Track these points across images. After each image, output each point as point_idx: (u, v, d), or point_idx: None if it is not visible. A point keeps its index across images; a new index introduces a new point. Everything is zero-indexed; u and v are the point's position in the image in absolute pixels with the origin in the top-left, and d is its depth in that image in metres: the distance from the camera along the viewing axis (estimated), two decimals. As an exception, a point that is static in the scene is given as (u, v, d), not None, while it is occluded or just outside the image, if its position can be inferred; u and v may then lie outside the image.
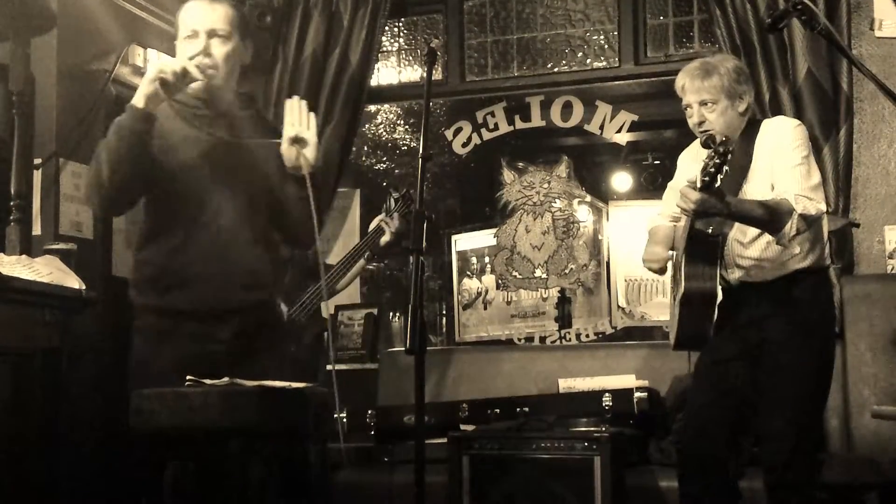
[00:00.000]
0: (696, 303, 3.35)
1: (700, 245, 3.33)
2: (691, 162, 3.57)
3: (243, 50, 3.15)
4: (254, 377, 2.86)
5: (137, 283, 3.14)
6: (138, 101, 2.92)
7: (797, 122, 3.49)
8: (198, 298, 3.03)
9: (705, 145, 3.25)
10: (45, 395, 3.61)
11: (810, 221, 3.24)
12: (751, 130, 3.45)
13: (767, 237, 3.30)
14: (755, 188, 3.35)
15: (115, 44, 4.65)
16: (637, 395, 4.15)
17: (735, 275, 3.41)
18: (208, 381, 2.85)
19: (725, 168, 3.04)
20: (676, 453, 3.60)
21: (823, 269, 3.48)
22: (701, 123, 3.39)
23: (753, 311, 3.40)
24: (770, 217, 3.21)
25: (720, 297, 3.33)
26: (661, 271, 3.60)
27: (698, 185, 3.09)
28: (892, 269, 4.43)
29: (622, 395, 4.16)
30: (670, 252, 3.59)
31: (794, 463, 3.29)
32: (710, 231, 3.33)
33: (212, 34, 3.04)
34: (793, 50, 4.46)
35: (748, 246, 3.38)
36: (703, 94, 3.38)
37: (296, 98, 3.03)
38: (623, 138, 5.50)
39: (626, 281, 5.96)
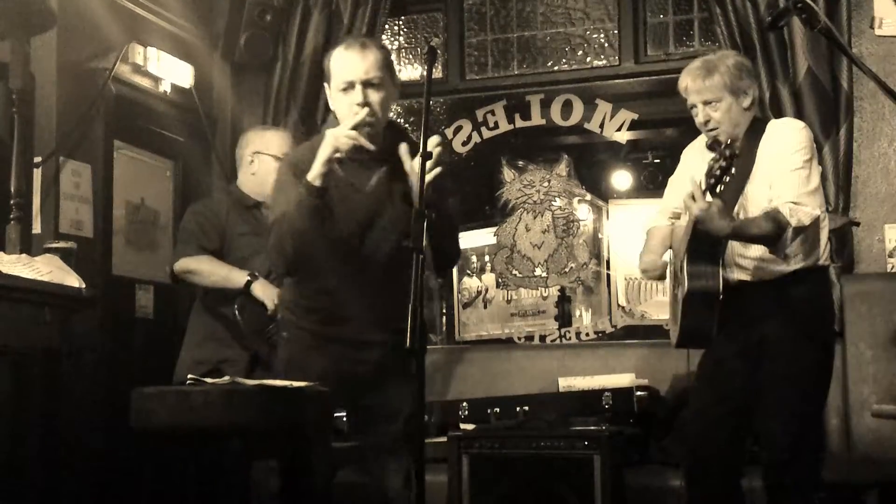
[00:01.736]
0: (700, 301, 3.35)
1: (702, 244, 3.33)
2: (695, 157, 3.56)
3: (394, 89, 3.20)
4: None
5: (291, 307, 3.27)
6: (316, 179, 2.99)
7: (802, 124, 3.49)
8: (345, 332, 3.16)
9: (711, 148, 3.26)
10: (44, 394, 3.61)
11: (803, 230, 3.25)
12: (756, 131, 3.44)
13: None
14: (757, 189, 3.35)
15: (116, 42, 4.64)
16: (637, 393, 4.15)
17: (735, 274, 3.41)
18: (209, 380, 2.85)
19: (732, 170, 3.05)
20: (683, 454, 3.59)
21: (823, 269, 3.48)
22: (707, 122, 3.39)
23: (753, 310, 3.40)
24: (765, 236, 3.23)
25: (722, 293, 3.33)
26: (661, 278, 3.60)
27: (703, 186, 3.10)
28: (892, 268, 4.43)
29: (622, 393, 4.16)
30: (666, 258, 3.58)
31: (793, 462, 3.29)
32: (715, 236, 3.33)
33: (367, 84, 3.07)
34: (793, 48, 4.46)
35: (749, 246, 3.38)
36: (705, 93, 3.38)
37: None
38: (623, 137, 5.48)
39: (626, 280, 5.95)
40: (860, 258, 4.47)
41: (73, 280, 3.74)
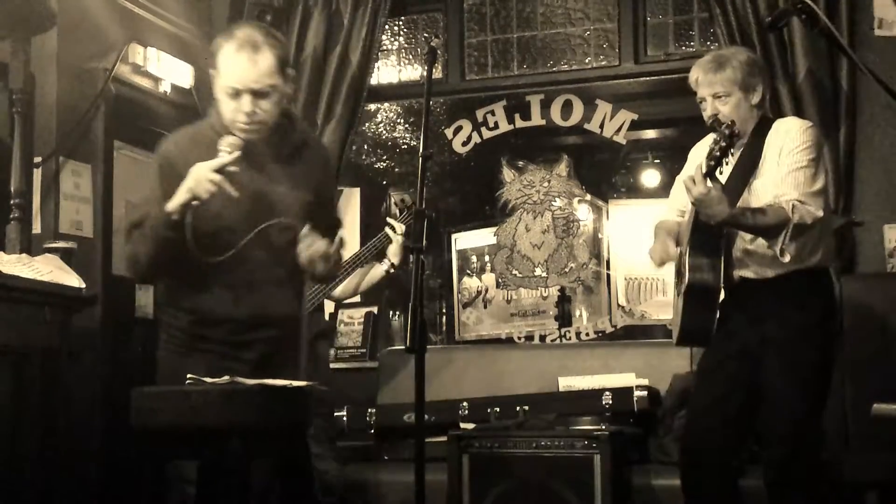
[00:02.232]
0: (700, 295, 3.35)
1: (704, 236, 3.34)
2: (701, 156, 3.56)
3: (287, 89, 3.06)
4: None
5: (167, 308, 3.15)
6: (173, 208, 2.86)
7: (809, 123, 3.50)
8: (227, 333, 3.04)
9: (711, 128, 3.26)
10: (44, 394, 3.61)
11: (804, 230, 3.24)
12: (763, 128, 3.44)
13: None
14: (763, 185, 3.36)
15: (116, 42, 4.64)
16: (637, 393, 4.15)
17: (738, 272, 3.41)
18: (209, 380, 2.85)
19: (731, 152, 3.05)
20: (679, 452, 3.60)
21: (826, 269, 3.48)
22: (714, 116, 3.40)
23: (755, 309, 3.40)
24: (766, 227, 3.23)
25: (723, 292, 3.33)
26: (662, 263, 3.58)
27: (703, 169, 3.10)
28: (891, 268, 4.43)
29: (622, 393, 4.16)
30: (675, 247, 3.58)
31: (794, 462, 3.30)
32: (714, 223, 3.33)
33: (255, 94, 2.93)
34: (793, 49, 4.46)
35: (752, 242, 3.38)
36: (716, 86, 3.39)
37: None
38: (623, 137, 5.48)
39: (626, 280, 5.96)
40: (860, 258, 4.47)
41: (73, 280, 3.74)
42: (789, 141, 3.35)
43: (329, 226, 3.08)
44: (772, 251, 3.31)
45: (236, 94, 2.93)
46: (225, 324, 3.03)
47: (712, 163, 3.10)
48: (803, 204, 3.22)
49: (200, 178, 2.84)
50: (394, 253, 4.51)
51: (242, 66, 2.92)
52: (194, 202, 2.86)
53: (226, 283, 3.02)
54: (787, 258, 3.27)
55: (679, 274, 3.54)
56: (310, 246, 2.93)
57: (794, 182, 3.27)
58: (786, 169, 3.31)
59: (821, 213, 3.29)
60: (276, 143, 3.07)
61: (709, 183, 3.14)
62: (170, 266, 3.02)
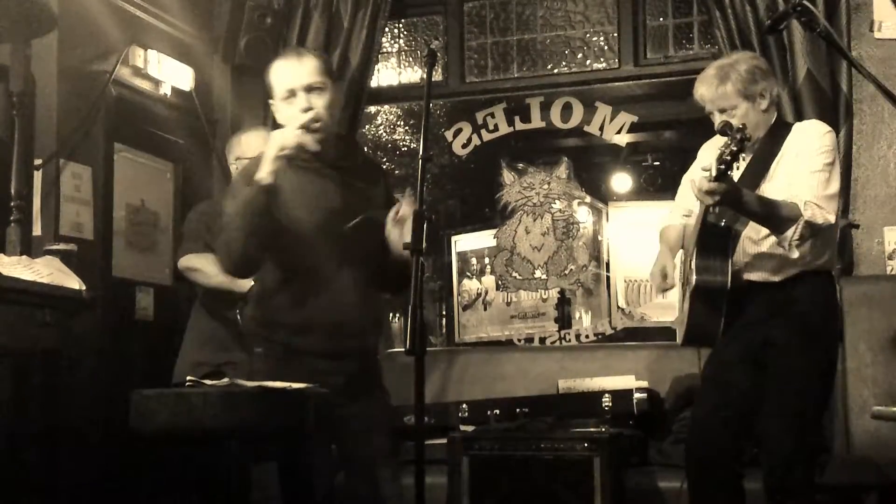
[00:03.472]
0: (707, 296, 3.35)
1: (711, 237, 3.34)
2: (711, 154, 3.56)
3: (337, 95, 3.20)
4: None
5: (261, 321, 3.20)
6: (264, 177, 2.95)
7: (828, 128, 3.46)
8: (316, 343, 3.10)
9: (722, 132, 3.24)
10: (44, 396, 3.62)
11: (816, 230, 3.23)
12: (780, 131, 3.44)
13: None
14: (774, 188, 3.34)
15: (116, 45, 4.64)
16: (637, 395, 4.16)
17: (745, 274, 3.40)
18: (208, 382, 2.86)
19: (742, 156, 3.04)
20: (686, 456, 3.59)
21: (829, 273, 3.48)
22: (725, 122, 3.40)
23: (759, 311, 3.39)
24: (776, 217, 3.22)
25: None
26: (662, 291, 3.58)
27: (713, 173, 3.08)
28: (891, 270, 4.43)
29: (622, 395, 4.17)
30: (678, 264, 3.57)
31: (794, 465, 3.29)
32: (722, 224, 3.33)
33: (309, 89, 3.06)
34: (792, 51, 4.47)
35: (759, 243, 3.38)
36: (720, 102, 3.38)
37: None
38: (623, 139, 5.49)
39: (625, 282, 5.96)
40: (859, 260, 4.48)
41: (74, 282, 3.74)
42: (807, 144, 3.35)
43: None
44: (780, 251, 3.31)
45: (291, 94, 3.07)
46: (321, 333, 3.09)
47: (722, 167, 3.07)
48: (817, 206, 3.23)
49: (283, 132, 3.00)
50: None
51: (291, 66, 3.10)
52: (284, 153, 2.95)
53: (315, 289, 3.09)
54: (795, 254, 3.27)
55: (685, 274, 3.54)
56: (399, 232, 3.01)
57: (809, 184, 3.27)
58: (802, 170, 3.30)
59: (832, 218, 3.28)
60: (342, 157, 3.17)
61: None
62: (264, 253, 3.08)
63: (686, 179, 3.71)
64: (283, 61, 3.13)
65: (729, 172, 3.06)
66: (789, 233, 3.20)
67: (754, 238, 3.38)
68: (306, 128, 3.00)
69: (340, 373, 3.09)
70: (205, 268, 4.03)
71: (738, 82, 3.36)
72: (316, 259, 3.09)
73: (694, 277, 3.35)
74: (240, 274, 3.36)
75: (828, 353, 3.43)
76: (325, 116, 3.08)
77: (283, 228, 3.04)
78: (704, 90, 3.41)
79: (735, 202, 3.18)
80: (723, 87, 3.37)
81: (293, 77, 3.07)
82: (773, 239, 3.34)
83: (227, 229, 3.08)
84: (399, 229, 3.00)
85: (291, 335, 3.10)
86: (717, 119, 3.39)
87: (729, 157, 3.04)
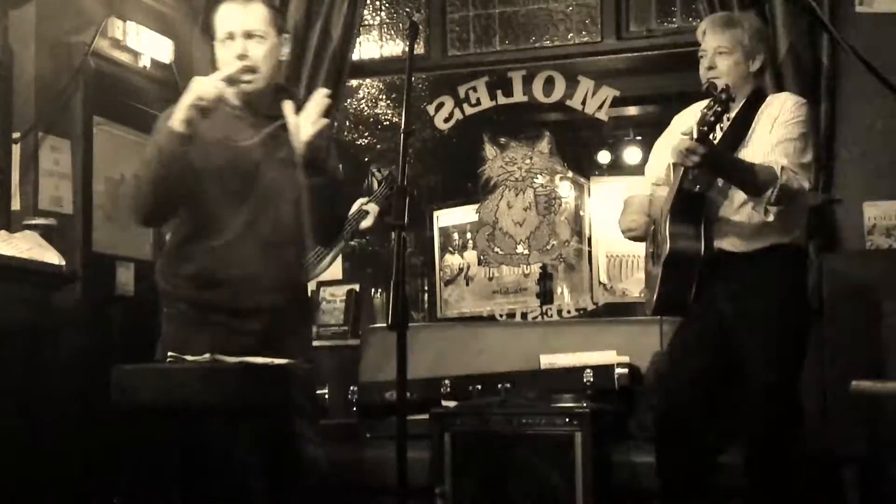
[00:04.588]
0: (680, 263, 3.37)
1: (686, 203, 3.36)
2: (685, 123, 3.56)
3: (281, 45, 3.16)
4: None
5: (170, 276, 3.17)
6: (177, 125, 2.92)
7: (803, 100, 3.52)
8: (231, 298, 3.07)
9: (707, 92, 3.28)
10: (24, 371, 3.60)
11: (790, 195, 3.26)
12: (756, 100, 3.48)
13: (752, 205, 3.32)
14: (749, 155, 3.37)
15: (95, 16, 4.59)
16: (618, 370, 4.16)
17: (717, 243, 3.42)
18: (190, 358, 2.84)
19: (725, 117, 3.06)
20: (654, 425, 3.62)
21: (801, 248, 3.53)
22: (710, 69, 3.42)
23: (733, 282, 3.41)
24: (756, 178, 3.24)
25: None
26: (642, 238, 3.61)
27: (695, 135, 3.10)
28: (870, 246, 4.45)
29: (603, 371, 4.17)
30: (647, 218, 3.60)
31: (771, 437, 3.32)
32: (696, 190, 3.35)
33: (248, 35, 3.05)
34: (774, 25, 4.45)
35: (733, 212, 3.40)
36: (721, 40, 3.43)
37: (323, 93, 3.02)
38: (605, 114, 5.48)
39: (607, 257, 5.97)
40: (839, 236, 4.49)
41: (53, 257, 3.72)
42: (783, 113, 3.39)
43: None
44: (754, 221, 3.34)
45: (230, 37, 3.05)
46: (226, 287, 3.04)
47: (705, 128, 3.10)
48: (793, 172, 3.26)
49: (203, 81, 2.94)
50: (368, 223, 4.49)
51: (235, 10, 3.09)
52: (201, 103, 2.90)
53: (227, 241, 3.05)
54: (770, 217, 3.29)
55: (654, 242, 3.55)
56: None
57: (785, 151, 3.31)
58: (776, 139, 3.35)
59: (807, 185, 3.33)
60: (273, 104, 3.10)
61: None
62: (174, 203, 3.04)
63: (657, 146, 3.72)
64: (228, 3, 3.11)
65: (711, 134, 3.08)
66: (766, 194, 3.23)
67: (728, 206, 3.40)
68: (234, 79, 2.98)
69: (248, 333, 3.06)
70: None
71: (746, 32, 3.45)
72: (225, 211, 3.06)
73: (668, 244, 3.36)
74: (149, 223, 3.35)
75: (800, 323, 3.46)
76: (261, 66, 3.05)
77: (196, 177, 3.00)
78: (709, 27, 3.50)
79: (716, 164, 3.21)
80: (731, 30, 3.45)
81: (234, 20, 3.07)
82: (746, 209, 3.36)
83: (138, 176, 3.06)
84: (298, 119, 2.96)
85: (196, 289, 3.07)
86: (708, 59, 3.44)
87: (712, 118, 3.07)
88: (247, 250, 3.06)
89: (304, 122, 2.96)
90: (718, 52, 3.43)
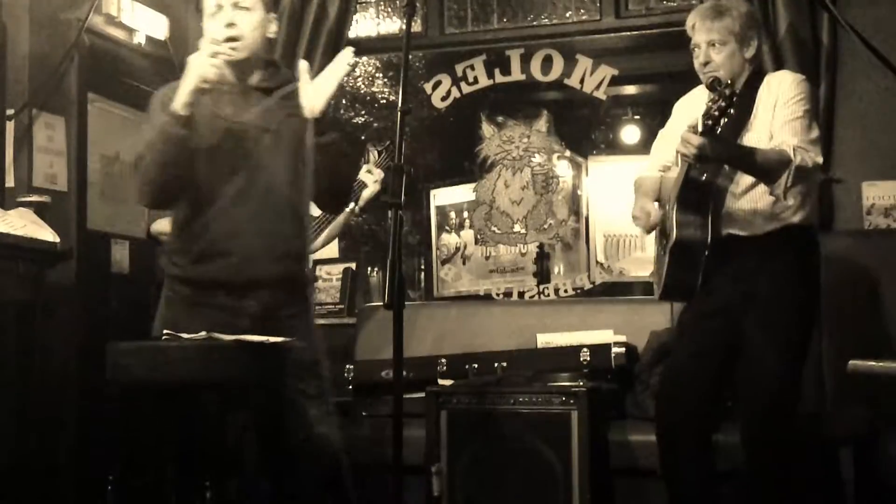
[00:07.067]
0: (687, 251, 3.36)
1: (692, 192, 3.34)
2: (687, 110, 3.54)
3: (268, 21, 3.15)
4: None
5: (174, 257, 3.16)
6: (180, 108, 2.93)
7: (802, 77, 3.49)
8: (230, 271, 3.05)
9: (710, 87, 3.25)
10: (19, 348, 3.59)
11: (805, 174, 3.24)
12: (754, 81, 3.44)
13: (761, 189, 3.31)
14: (755, 139, 3.35)
15: (89, -8, 4.56)
16: (615, 350, 4.15)
17: (725, 229, 3.40)
18: (185, 336, 2.83)
19: (730, 111, 3.04)
20: (656, 405, 3.62)
21: (811, 227, 3.50)
22: (706, 63, 3.39)
23: (740, 265, 3.40)
24: (769, 165, 3.22)
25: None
26: (650, 230, 3.58)
27: (700, 129, 3.08)
28: (869, 225, 4.44)
29: (600, 350, 4.17)
30: (656, 206, 3.57)
31: (771, 417, 3.32)
32: (703, 178, 3.33)
33: (236, 6, 3.03)
34: (774, 4, 4.44)
35: (740, 197, 3.38)
36: (713, 34, 3.38)
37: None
38: (603, 93, 5.45)
39: (604, 236, 5.96)
40: (838, 215, 4.48)
41: (48, 234, 3.71)
42: (784, 93, 3.36)
43: None
44: (762, 206, 3.33)
45: (219, 8, 3.03)
46: (224, 258, 3.04)
47: (710, 122, 3.08)
48: (804, 150, 3.23)
49: (202, 62, 2.93)
50: (366, 198, 4.48)
51: None
52: (204, 86, 2.92)
53: (220, 209, 3.04)
54: (790, 201, 3.28)
55: (663, 230, 3.54)
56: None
57: (792, 130, 3.28)
58: (782, 119, 3.32)
59: (820, 159, 3.31)
60: (263, 78, 3.12)
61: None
62: (181, 183, 3.03)
63: (662, 135, 3.70)
64: None
65: (716, 128, 3.06)
66: (781, 179, 3.20)
67: (735, 192, 3.38)
68: (219, 52, 2.96)
69: (246, 315, 3.05)
70: None
71: (737, 20, 3.38)
72: (219, 184, 3.05)
73: (675, 232, 3.35)
74: (155, 206, 3.35)
75: (807, 306, 3.44)
76: (248, 37, 3.04)
77: (197, 155, 3.00)
78: (699, 20, 3.42)
79: (730, 158, 3.19)
80: (720, 21, 3.38)
81: None
82: (755, 193, 3.34)
83: (143, 160, 3.04)
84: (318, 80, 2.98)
85: (194, 265, 3.07)
86: (702, 53, 3.39)
87: (717, 113, 3.04)
88: (240, 216, 3.04)
89: (331, 78, 2.97)
90: (711, 44, 3.38)
